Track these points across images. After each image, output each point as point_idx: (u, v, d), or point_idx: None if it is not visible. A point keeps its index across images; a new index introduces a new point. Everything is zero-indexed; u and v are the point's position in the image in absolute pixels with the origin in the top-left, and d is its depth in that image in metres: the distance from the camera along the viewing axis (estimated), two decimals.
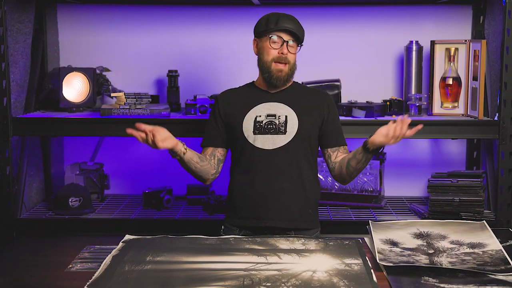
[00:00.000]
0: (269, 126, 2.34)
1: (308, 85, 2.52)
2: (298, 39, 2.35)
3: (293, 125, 2.34)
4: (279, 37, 2.32)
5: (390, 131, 2.15)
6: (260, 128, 2.34)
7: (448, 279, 1.76)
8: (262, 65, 2.36)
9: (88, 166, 3.40)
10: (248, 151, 2.35)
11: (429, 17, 3.39)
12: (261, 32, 2.36)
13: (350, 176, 2.35)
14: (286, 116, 2.35)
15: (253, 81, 2.48)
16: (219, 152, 2.44)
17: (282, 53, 2.32)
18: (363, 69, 3.42)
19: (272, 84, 2.37)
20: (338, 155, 2.39)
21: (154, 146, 2.18)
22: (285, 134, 2.33)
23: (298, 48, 2.37)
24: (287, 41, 2.32)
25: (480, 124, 2.93)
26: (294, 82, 2.47)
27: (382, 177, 3.29)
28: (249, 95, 2.42)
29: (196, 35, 3.44)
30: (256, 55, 2.41)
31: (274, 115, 2.35)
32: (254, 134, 2.34)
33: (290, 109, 2.36)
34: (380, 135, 2.18)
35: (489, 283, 1.73)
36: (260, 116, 2.35)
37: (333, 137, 2.41)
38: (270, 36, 2.32)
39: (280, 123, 2.34)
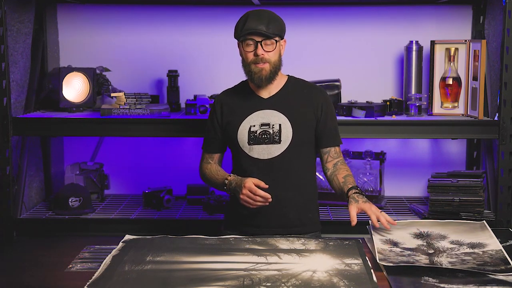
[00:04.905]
0: (263, 136, 2.32)
1: (304, 80, 2.47)
2: (273, 37, 2.27)
3: (287, 134, 2.32)
4: (251, 39, 2.27)
5: (374, 221, 2.11)
6: (254, 139, 2.32)
7: (448, 279, 1.76)
8: (244, 68, 2.33)
9: (88, 166, 3.40)
10: (244, 161, 2.34)
11: (429, 17, 3.39)
12: (235, 37, 2.33)
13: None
14: (280, 125, 2.32)
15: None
16: (222, 155, 2.48)
17: (257, 55, 2.27)
18: (363, 69, 3.42)
19: (256, 85, 2.34)
20: (328, 159, 2.39)
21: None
22: (279, 143, 2.31)
23: (277, 43, 2.29)
24: (260, 42, 2.26)
25: (480, 124, 2.93)
26: (289, 78, 2.43)
27: (382, 177, 3.29)
28: (243, 102, 2.39)
29: (196, 35, 3.44)
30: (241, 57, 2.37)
31: (268, 124, 2.33)
32: (249, 145, 2.32)
33: (284, 117, 2.33)
34: (369, 213, 2.13)
35: (489, 283, 1.73)
36: (254, 126, 2.33)
37: (324, 138, 2.39)
38: (241, 40, 2.30)
39: (274, 132, 2.32)
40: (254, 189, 2.18)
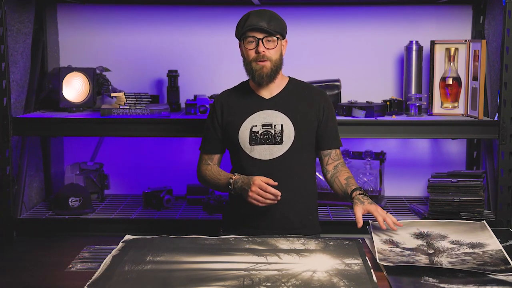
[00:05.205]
0: (265, 136, 2.31)
1: (305, 82, 2.48)
2: (275, 34, 2.28)
3: (289, 134, 2.31)
4: (252, 36, 2.27)
5: (381, 222, 2.11)
6: (256, 139, 2.31)
7: (448, 279, 1.76)
8: (245, 67, 2.33)
9: (88, 166, 3.40)
10: (245, 161, 2.33)
11: (429, 17, 3.39)
12: (237, 35, 2.33)
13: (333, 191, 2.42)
14: (282, 125, 2.31)
15: (249, 79, 2.41)
16: (221, 156, 2.47)
17: (258, 52, 2.27)
18: (363, 69, 3.42)
19: (257, 83, 2.33)
20: (329, 161, 2.39)
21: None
22: (281, 143, 2.31)
23: (278, 41, 2.29)
24: (261, 39, 2.26)
25: (480, 124, 2.93)
26: (290, 79, 2.43)
27: (382, 177, 3.29)
28: (244, 102, 2.38)
29: (196, 35, 3.44)
30: (242, 57, 2.36)
31: (270, 125, 2.32)
32: (250, 145, 2.31)
33: (286, 117, 2.33)
34: (375, 214, 2.13)
35: (489, 283, 1.73)
36: (255, 126, 2.32)
37: (325, 140, 2.38)
38: (243, 37, 2.30)
39: (276, 132, 2.31)
40: (264, 186, 2.16)
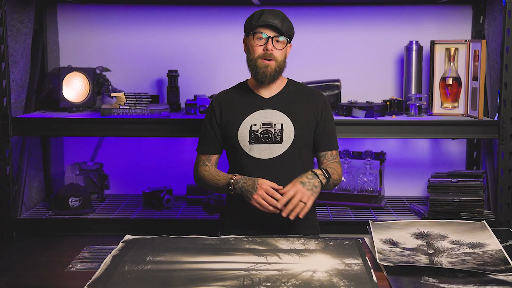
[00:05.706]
0: (265, 135, 2.30)
1: (304, 84, 2.48)
2: (286, 35, 2.29)
3: (289, 133, 2.31)
4: (263, 33, 2.27)
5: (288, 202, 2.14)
6: (255, 138, 2.31)
7: (448, 279, 1.76)
8: (249, 63, 2.32)
9: (88, 166, 3.40)
10: (244, 160, 2.32)
11: (429, 17, 3.39)
12: (246, 30, 2.32)
13: None
14: (281, 125, 2.31)
15: (247, 79, 2.42)
16: (219, 156, 2.45)
17: (267, 50, 2.26)
18: (363, 69, 3.42)
19: (259, 81, 2.32)
20: (324, 161, 2.38)
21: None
22: (281, 143, 2.30)
23: (286, 44, 2.30)
24: (272, 37, 2.26)
25: (480, 124, 2.93)
26: (289, 80, 2.43)
27: (382, 177, 3.29)
28: (243, 101, 2.37)
29: (196, 35, 3.44)
30: (246, 53, 2.36)
31: (270, 124, 2.32)
32: (250, 144, 2.31)
33: (286, 116, 2.32)
34: (286, 194, 2.15)
35: (489, 283, 1.73)
36: (255, 125, 2.32)
37: (323, 142, 2.38)
38: (254, 32, 2.28)
39: (276, 131, 2.31)
40: (271, 192, 2.16)
